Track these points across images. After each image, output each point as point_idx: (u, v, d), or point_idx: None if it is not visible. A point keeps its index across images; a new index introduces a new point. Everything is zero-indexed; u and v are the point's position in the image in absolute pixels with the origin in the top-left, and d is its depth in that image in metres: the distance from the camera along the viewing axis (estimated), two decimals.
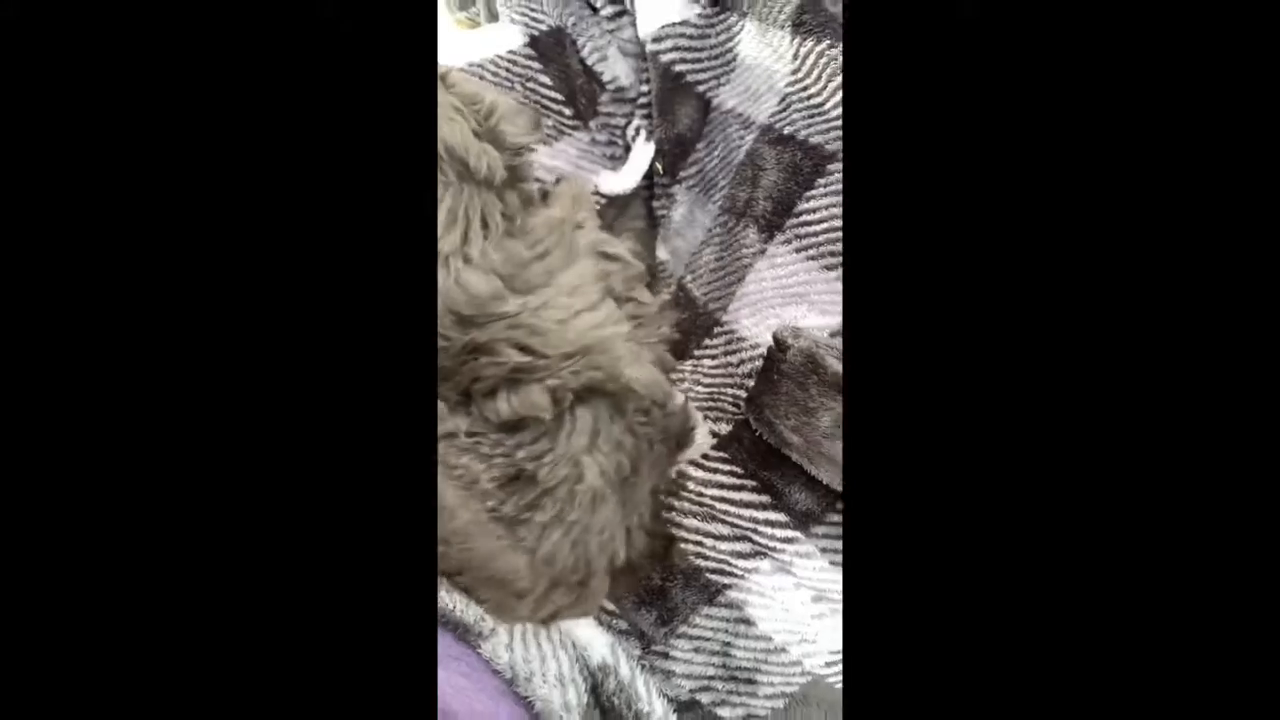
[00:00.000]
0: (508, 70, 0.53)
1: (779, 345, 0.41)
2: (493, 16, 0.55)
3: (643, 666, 0.43)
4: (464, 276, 0.39)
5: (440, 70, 0.45)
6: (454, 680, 0.36)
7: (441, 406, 0.40)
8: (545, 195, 0.48)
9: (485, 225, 0.41)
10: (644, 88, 0.53)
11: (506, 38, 0.53)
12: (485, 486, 0.39)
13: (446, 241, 0.39)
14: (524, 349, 0.39)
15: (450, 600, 0.39)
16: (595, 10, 0.52)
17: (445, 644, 0.38)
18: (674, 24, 0.51)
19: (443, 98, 0.42)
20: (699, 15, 0.51)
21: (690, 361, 0.49)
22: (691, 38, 0.51)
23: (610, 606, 0.47)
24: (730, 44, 0.52)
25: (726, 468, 0.44)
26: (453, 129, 0.41)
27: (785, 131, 0.47)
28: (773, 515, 0.43)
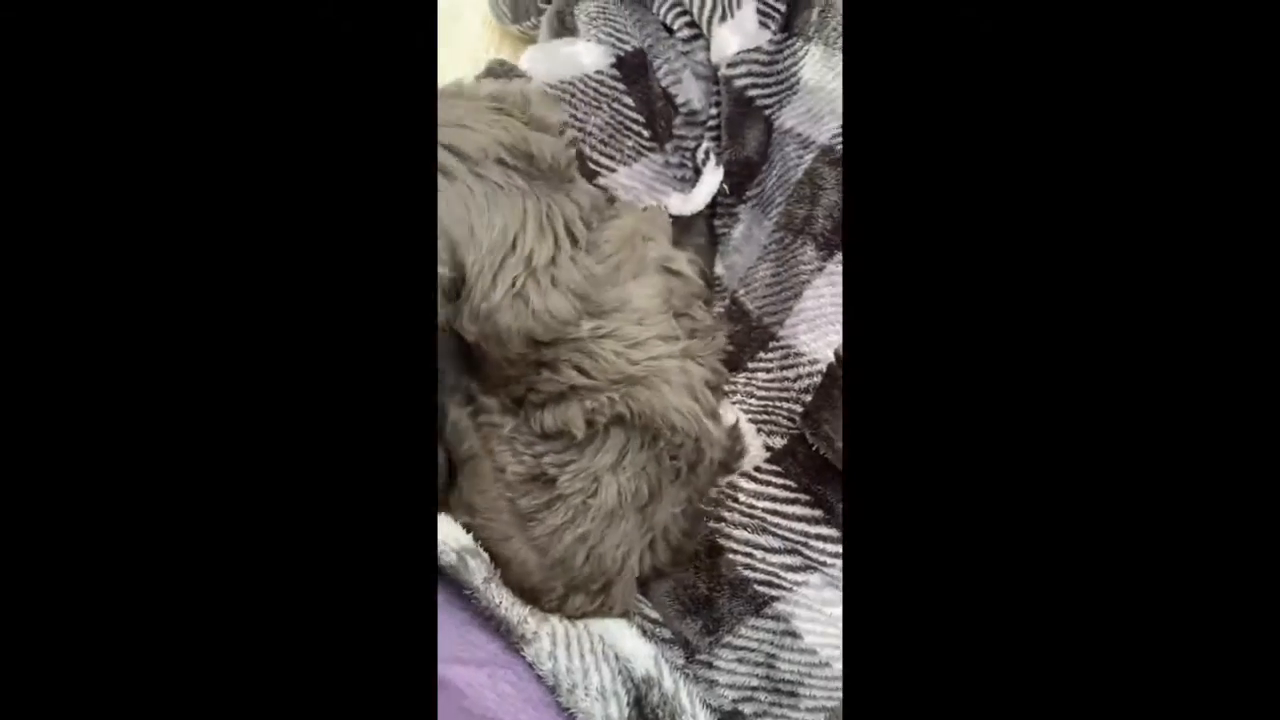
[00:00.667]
0: (596, 90, 0.54)
1: (839, 361, 0.42)
2: (567, 31, 0.57)
3: (686, 677, 0.43)
4: (551, 301, 0.40)
5: (449, 84, 0.45)
6: (500, 688, 0.37)
7: (493, 403, 0.42)
8: (613, 200, 0.49)
9: (571, 235, 0.41)
10: (714, 111, 0.54)
11: (593, 57, 0.54)
12: (509, 478, 0.41)
13: (539, 253, 0.40)
14: (581, 370, 0.41)
15: (497, 595, 0.40)
16: (671, 33, 0.54)
17: (493, 650, 0.39)
18: (749, 50, 0.53)
19: (471, 106, 0.42)
20: (770, 41, 0.53)
21: (743, 374, 0.49)
22: (763, 63, 0.53)
23: (653, 614, 0.47)
24: (795, 68, 0.53)
25: (779, 481, 0.45)
26: (504, 128, 0.41)
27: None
28: (825, 530, 0.44)
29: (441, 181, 0.39)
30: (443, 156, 0.39)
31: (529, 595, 0.42)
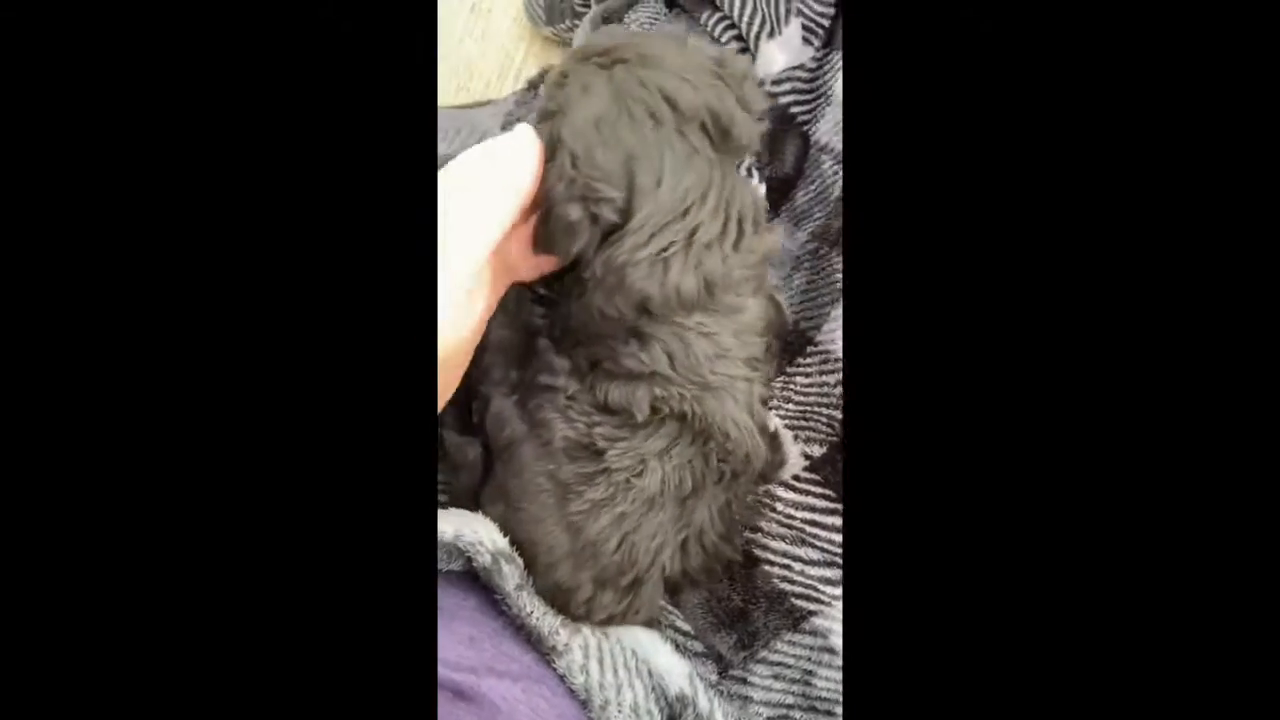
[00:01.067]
0: None
1: None
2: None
3: (720, 694, 0.42)
4: (685, 281, 0.38)
5: (669, 33, 0.44)
6: (535, 704, 0.36)
7: (564, 363, 0.41)
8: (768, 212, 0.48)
9: (740, 227, 0.40)
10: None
11: None
12: (557, 445, 0.40)
13: (706, 230, 0.38)
14: (670, 356, 0.39)
15: (528, 604, 0.39)
16: (720, 45, 0.53)
17: (527, 663, 0.38)
18: (793, 68, 0.53)
19: (695, 61, 0.40)
20: (811, 58, 0.53)
21: (780, 379, 0.49)
22: (804, 80, 0.53)
23: (685, 627, 0.46)
24: (830, 80, 0.52)
25: (819, 490, 0.44)
26: (718, 96, 0.39)
27: None
28: None
29: (648, 123, 0.37)
30: (655, 101, 0.38)
31: (558, 595, 0.41)
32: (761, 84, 0.51)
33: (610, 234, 0.38)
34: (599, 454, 0.40)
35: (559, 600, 0.41)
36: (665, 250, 0.37)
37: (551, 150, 0.38)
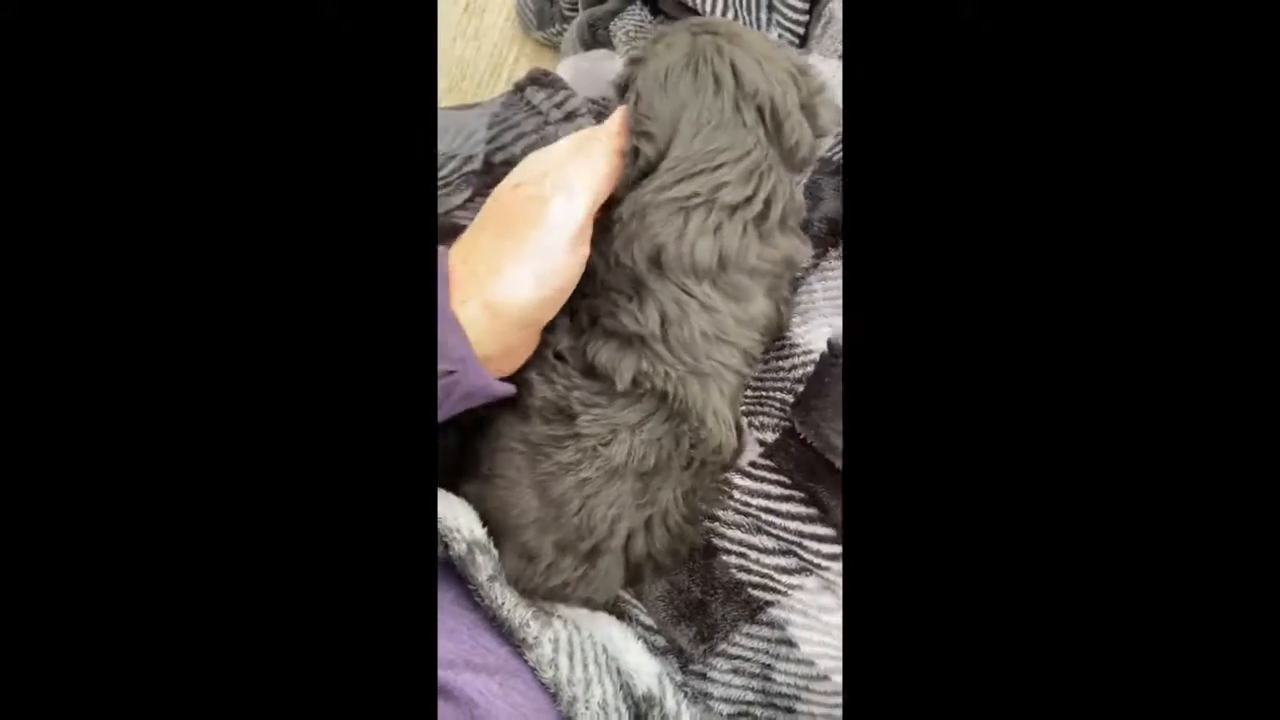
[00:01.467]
0: None
1: (832, 351, 0.41)
2: (598, 43, 0.56)
3: (687, 695, 0.41)
4: (700, 243, 0.38)
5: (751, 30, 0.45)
6: (513, 699, 0.35)
7: (564, 320, 0.41)
8: (806, 223, 0.47)
9: (765, 208, 0.40)
10: None
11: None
12: (534, 405, 0.41)
13: (729, 194, 0.38)
14: (665, 321, 0.39)
15: (500, 595, 0.38)
16: None
17: (504, 655, 0.37)
18: None
19: (776, 55, 0.41)
20: None
21: None
22: None
23: (648, 621, 0.45)
24: None
25: (774, 477, 0.43)
26: (784, 92, 0.40)
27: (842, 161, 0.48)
28: (819, 529, 0.41)
29: (711, 84, 0.39)
30: (723, 68, 0.39)
31: (522, 561, 0.40)
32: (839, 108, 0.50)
33: (642, 174, 0.40)
34: (572, 418, 0.40)
35: (522, 567, 0.41)
36: (688, 200, 0.38)
37: (624, 91, 0.42)
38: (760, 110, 0.40)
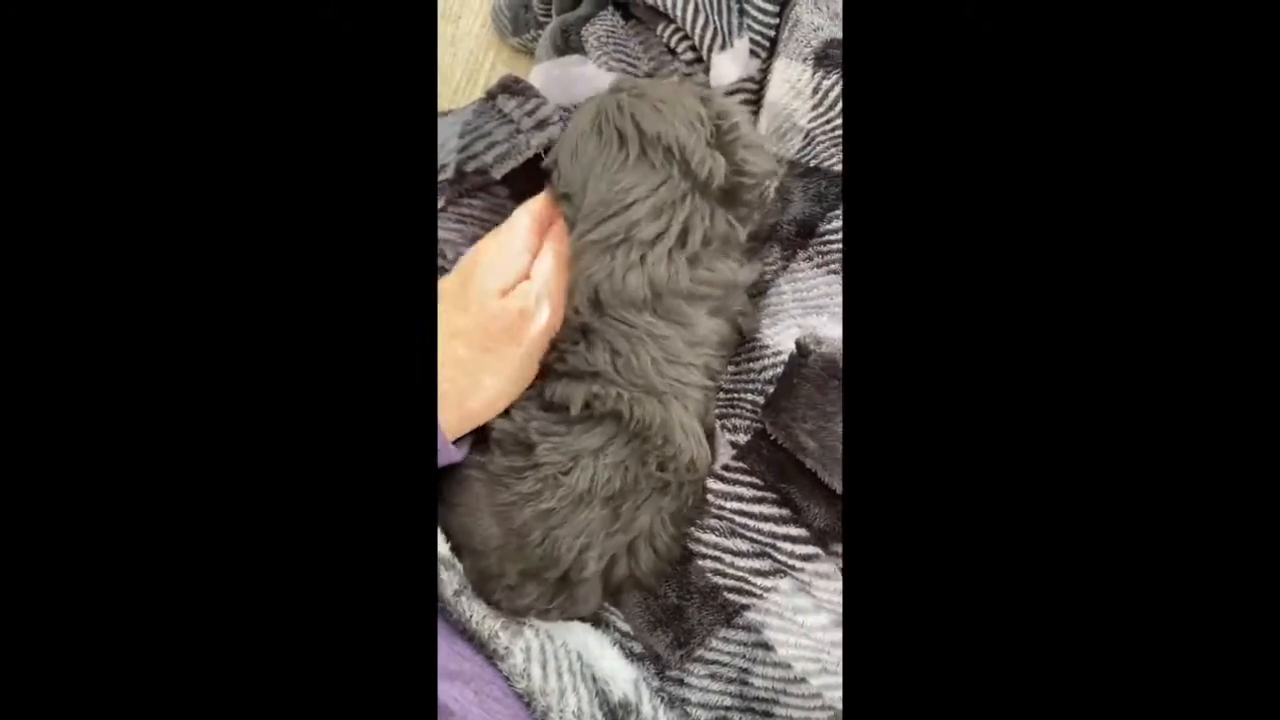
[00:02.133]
0: None
1: (801, 351, 0.41)
2: (571, 49, 0.55)
3: (664, 701, 0.40)
4: (630, 278, 0.40)
5: (694, 87, 0.47)
6: (488, 705, 0.35)
7: None
8: (754, 250, 0.49)
9: (684, 236, 0.41)
10: None
11: (607, 80, 0.53)
12: (493, 435, 0.42)
13: (642, 230, 0.40)
14: (614, 353, 0.41)
15: (468, 609, 0.38)
16: (675, 55, 0.54)
17: (479, 663, 0.37)
18: (745, 80, 0.53)
19: (690, 105, 0.43)
20: (758, 69, 0.53)
21: None
22: (753, 92, 0.53)
23: (625, 628, 0.45)
24: (765, 88, 0.53)
25: (746, 479, 0.43)
26: (687, 130, 0.42)
27: (811, 164, 0.48)
28: (793, 530, 0.41)
29: (615, 141, 0.42)
30: (625, 123, 0.42)
31: (483, 580, 0.41)
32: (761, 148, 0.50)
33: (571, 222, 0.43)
34: (530, 448, 0.41)
35: (483, 585, 0.41)
36: (609, 240, 0.41)
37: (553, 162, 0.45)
38: (669, 150, 0.42)
